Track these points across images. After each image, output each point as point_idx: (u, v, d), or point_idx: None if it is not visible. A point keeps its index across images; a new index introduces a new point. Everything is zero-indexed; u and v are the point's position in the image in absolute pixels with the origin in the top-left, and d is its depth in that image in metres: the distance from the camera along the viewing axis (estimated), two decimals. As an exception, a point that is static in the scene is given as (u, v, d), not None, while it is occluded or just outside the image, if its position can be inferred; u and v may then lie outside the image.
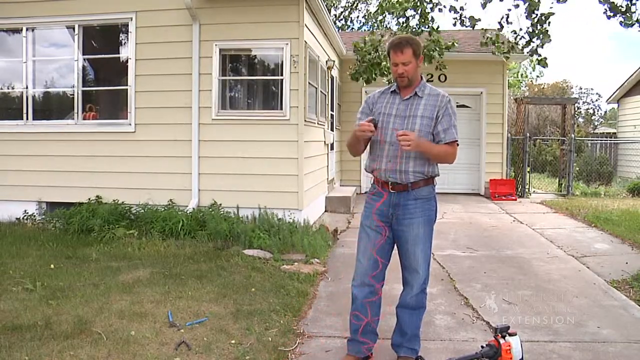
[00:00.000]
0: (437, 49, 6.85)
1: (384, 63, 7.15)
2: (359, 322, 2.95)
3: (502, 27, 6.11)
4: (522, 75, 25.36)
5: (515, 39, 6.30)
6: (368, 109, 2.99)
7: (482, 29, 6.61)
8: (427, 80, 11.12)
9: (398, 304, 3.00)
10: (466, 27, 6.41)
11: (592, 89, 34.08)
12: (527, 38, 5.95)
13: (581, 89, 24.93)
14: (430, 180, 2.89)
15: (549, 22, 5.76)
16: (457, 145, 2.86)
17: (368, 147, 3.00)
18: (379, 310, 3.01)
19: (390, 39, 3.00)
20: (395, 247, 2.97)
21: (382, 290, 2.99)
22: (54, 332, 3.28)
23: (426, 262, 2.92)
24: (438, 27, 6.94)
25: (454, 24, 6.43)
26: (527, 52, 6.23)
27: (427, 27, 6.72)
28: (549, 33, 5.78)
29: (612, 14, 5.20)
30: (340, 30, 16.30)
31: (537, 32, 5.80)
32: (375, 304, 2.96)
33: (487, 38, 6.46)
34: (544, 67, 6.43)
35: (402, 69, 2.81)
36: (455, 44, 7.10)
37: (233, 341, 3.25)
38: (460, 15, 6.32)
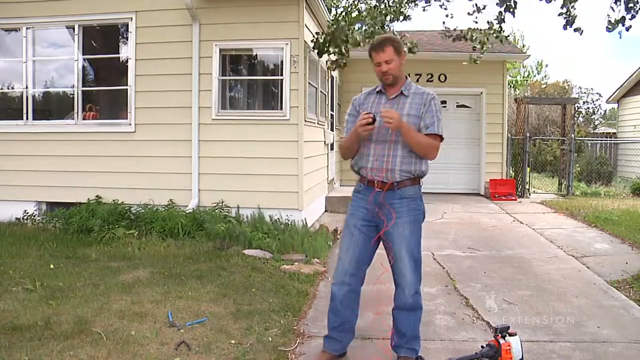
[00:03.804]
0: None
1: (355, 30, 6.89)
2: (337, 320, 2.98)
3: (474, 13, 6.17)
4: (527, 75, 25.40)
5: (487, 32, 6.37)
6: (355, 110, 3.00)
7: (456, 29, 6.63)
8: (427, 80, 11.01)
9: (394, 306, 2.99)
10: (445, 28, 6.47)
11: (592, 88, 34.00)
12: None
13: (581, 88, 24.88)
14: (417, 181, 2.90)
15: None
16: (441, 140, 2.85)
17: None
18: (357, 309, 3.03)
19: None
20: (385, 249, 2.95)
21: (362, 289, 3.00)
22: (54, 332, 3.28)
23: (414, 262, 2.87)
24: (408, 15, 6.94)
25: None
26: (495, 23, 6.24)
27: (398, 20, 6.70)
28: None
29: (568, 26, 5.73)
30: (340, 30, 16.26)
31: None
32: (353, 303, 2.97)
33: (461, 32, 6.52)
34: (502, 41, 6.52)
35: (386, 67, 2.83)
36: (416, 46, 6.99)
37: (233, 341, 3.25)
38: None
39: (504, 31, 6.33)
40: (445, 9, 6.46)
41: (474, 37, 6.50)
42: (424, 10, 6.62)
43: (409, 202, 2.85)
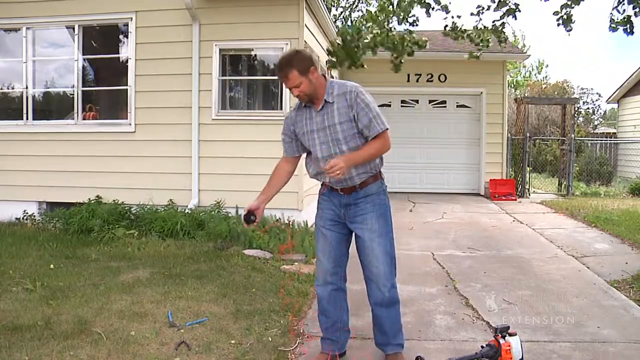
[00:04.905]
0: (409, 45, 6.66)
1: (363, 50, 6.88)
2: (328, 320, 2.99)
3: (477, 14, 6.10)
4: (528, 76, 25.42)
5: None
6: (289, 130, 2.94)
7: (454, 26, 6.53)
8: (427, 80, 10.70)
9: (371, 303, 2.97)
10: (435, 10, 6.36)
11: (592, 88, 33.99)
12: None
13: (581, 89, 24.86)
14: (378, 176, 2.90)
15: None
16: (387, 130, 2.75)
17: (305, 155, 2.99)
18: (347, 306, 3.04)
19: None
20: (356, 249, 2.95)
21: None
22: (54, 332, 3.28)
23: (387, 256, 2.85)
24: (416, 18, 6.81)
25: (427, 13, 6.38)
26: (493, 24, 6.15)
27: (406, 22, 6.62)
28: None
29: (615, 27, 5.53)
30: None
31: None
32: (340, 301, 2.98)
33: (459, 31, 6.43)
34: (502, 42, 6.41)
35: (296, 91, 2.73)
36: (426, 43, 6.90)
37: (233, 341, 3.25)
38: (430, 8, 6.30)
39: (504, 34, 6.24)
40: (448, 11, 6.38)
41: (477, 36, 6.42)
42: (428, 15, 6.52)
43: (373, 198, 2.86)
